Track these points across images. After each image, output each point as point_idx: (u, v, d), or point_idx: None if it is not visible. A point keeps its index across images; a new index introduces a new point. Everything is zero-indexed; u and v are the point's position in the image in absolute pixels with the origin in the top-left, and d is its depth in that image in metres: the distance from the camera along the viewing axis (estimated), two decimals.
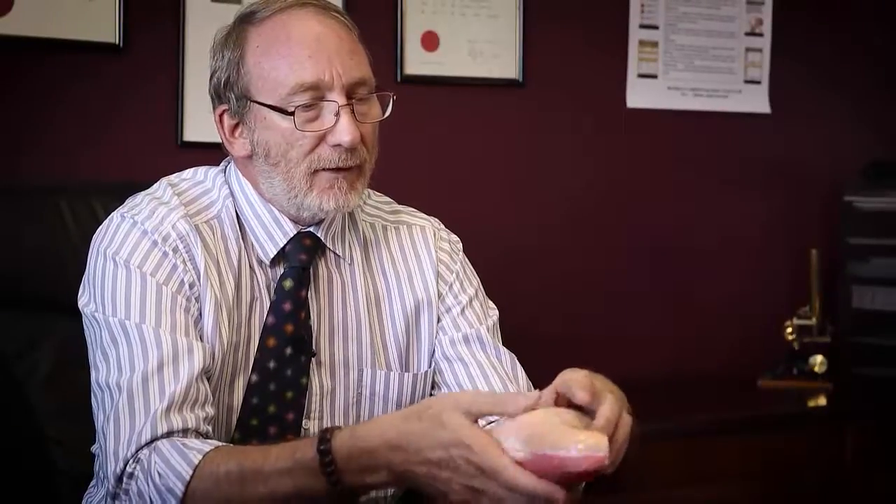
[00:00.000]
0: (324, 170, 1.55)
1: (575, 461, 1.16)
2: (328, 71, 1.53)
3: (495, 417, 1.30)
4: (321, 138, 1.54)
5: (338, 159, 1.55)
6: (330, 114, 1.54)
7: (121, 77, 2.63)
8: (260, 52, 1.55)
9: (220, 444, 1.41)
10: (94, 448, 1.57)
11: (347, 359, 1.63)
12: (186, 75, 2.67)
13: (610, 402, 1.25)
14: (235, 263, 1.58)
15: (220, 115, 1.61)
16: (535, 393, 1.22)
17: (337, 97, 1.53)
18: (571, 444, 1.17)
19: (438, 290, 1.70)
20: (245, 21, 1.59)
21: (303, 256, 1.61)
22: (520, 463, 1.17)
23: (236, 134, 1.60)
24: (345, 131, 1.53)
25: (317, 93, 1.53)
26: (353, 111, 1.54)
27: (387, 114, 1.60)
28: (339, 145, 1.54)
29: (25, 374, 1.84)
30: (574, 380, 1.26)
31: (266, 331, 1.58)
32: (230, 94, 1.58)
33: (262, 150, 1.56)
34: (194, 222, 1.57)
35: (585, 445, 1.17)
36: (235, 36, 1.58)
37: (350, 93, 1.54)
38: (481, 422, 1.24)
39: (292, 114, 1.52)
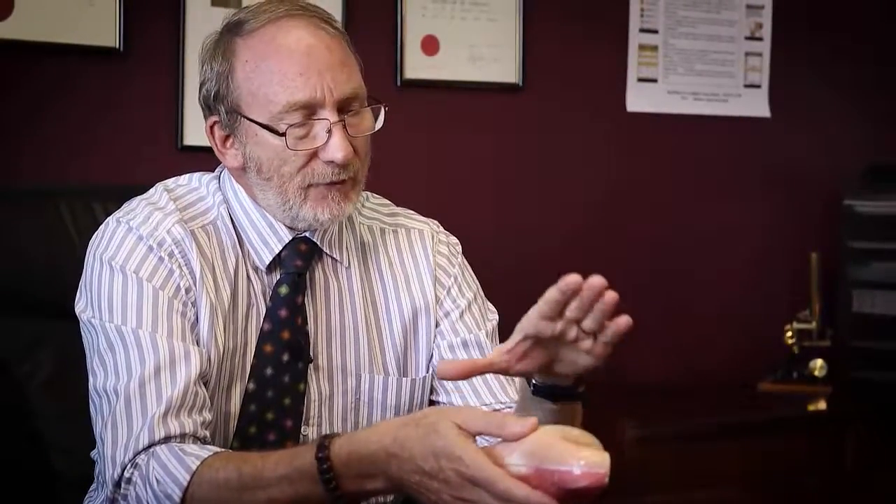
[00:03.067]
0: (317, 184, 1.54)
1: (574, 477, 1.15)
2: (319, 87, 1.51)
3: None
4: (314, 154, 1.53)
5: (331, 174, 1.54)
6: (322, 130, 1.52)
7: (121, 81, 2.64)
8: (249, 67, 1.52)
9: (218, 449, 1.41)
10: (93, 453, 1.57)
11: (345, 364, 1.63)
12: (186, 79, 2.67)
13: None
14: (231, 270, 1.58)
15: (212, 126, 1.59)
16: (533, 419, 1.21)
17: (328, 114, 1.51)
18: (573, 460, 1.16)
19: (436, 295, 1.69)
20: (233, 32, 1.56)
21: (298, 262, 1.61)
22: (521, 478, 1.16)
23: (227, 145, 1.58)
24: (337, 149, 1.51)
25: (308, 110, 1.51)
26: (344, 126, 1.53)
27: (378, 125, 1.58)
28: (332, 161, 1.53)
29: (25, 378, 1.84)
30: (527, 320, 1.30)
31: (262, 337, 1.58)
32: (220, 107, 1.56)
33: (255, 165, 1.55)
34: (190, 228, 1.56)
35: (587, 462, 1.16)
36: (223, 47, 1.55)
37: (342, 107, 1.53)
38: (483, 440, 1.23)
39: (283, 134, 1.51)
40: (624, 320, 1.29)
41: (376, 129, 1.58)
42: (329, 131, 1.52)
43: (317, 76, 1.51)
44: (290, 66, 1.51)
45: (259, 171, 1.55)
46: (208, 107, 1.58)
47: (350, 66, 1.55)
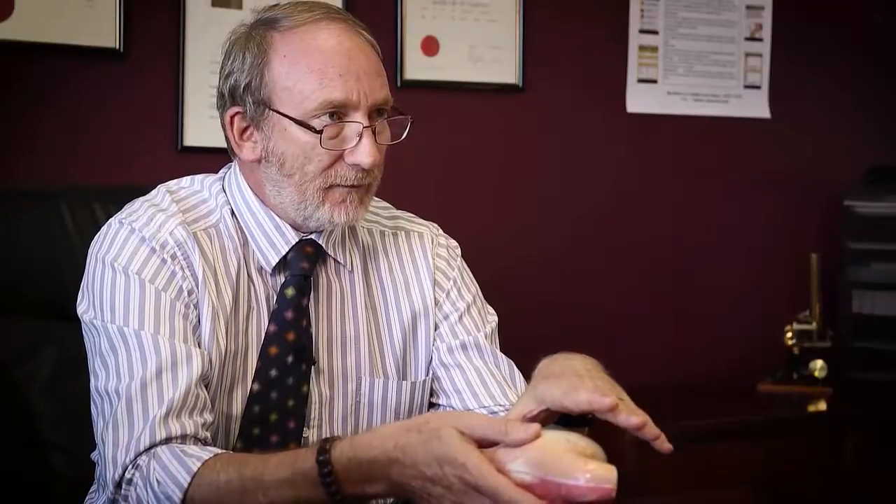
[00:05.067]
0: (338, 185, 1.55)
1: (582, 491, 1.16)
2: (356, 90, 1.52)
3: None
4: (339, 156, 1.54)
5: (353, 177, 1.55)
6: (352, 133, 1.53)
7: (121, 81, 2.64)
8: (287, 62, 1.53)
9: (219, 451, 1.41)
10: (93, 455, 1.57)
11: (346, 367, 1.63)
12: (186, 80, 2.67)
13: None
14: (234, 272, 1.58)
15: (232, 117, 1.58)
16: (536, 424, 1.21)
17: (361, 118, 1.53)
18: (580, 473, 1.16)
19: (435, 298, 1.69)
20: (269, 26, 1.56)
21: (304, 264, 1.61)
22: (525, 486, 1.16)
23: (245, 137, 1.58)
24: (366, 153, 1.53)
25: (342, 110, 1.52)
26: (374, 133, 1.54)
27: (403, 136, 1.60)
28: (357, 164, 1.54)
29: (25, 379, 1.84)
30: (552, 394, 1.30)
31: (268, 339, 1.58)
32: (248, 98, 1.55)
33: (277, 160, 1.55)
34: (192, 230, 1.56)
35: (593, 476, 1.16)
36: (259, 39, 1.55)
37: (371, 113, 1.54)
38: None
39: (320, 132, 1.51)
40: (665, 447, 1.29)
41: (401, 139, 1.60)
42: (360, 135, 1.53)
43: (354, 79, 1.52)
44: (330, 66, 1.52)
45: (281, 166, 1.55)
46: (232, 97, 1.57)
47: (383, 76, 1.57)
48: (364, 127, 1.53)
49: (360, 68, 1.53)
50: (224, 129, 1.61)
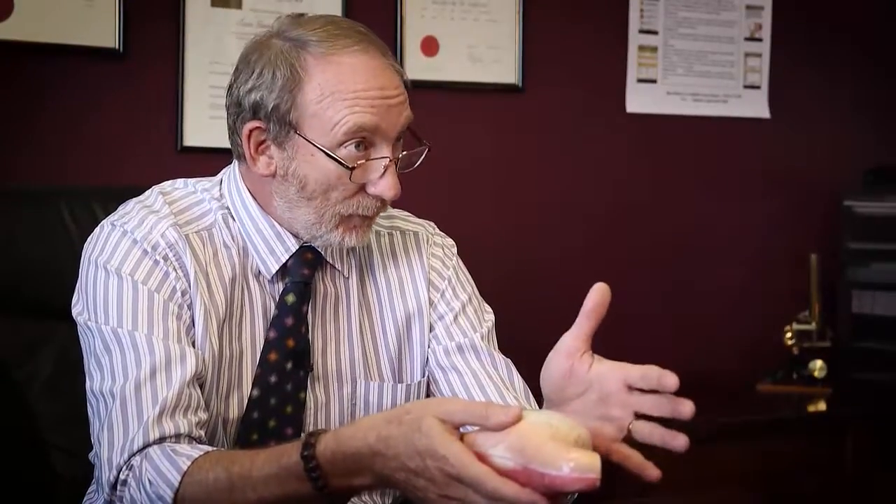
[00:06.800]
0: (357, 215, 1.56)
1: (565, 481, 1.13)
2: (385, 122, 1.52)
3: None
4: (362, 185, 1.54)
5: (374, 208, 1.56)
6: (378, 165, 1.53)
7: (121, 81, 2.64)
8: (320, 90, 1.50)
9: (210, 449, 1.41)
10: (91, 455, 1.57)
11: (341, 371, 1.63)
12: (186, 80, 2.67)
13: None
14: (227, 277, 1.58)
15: (251, 131, 1.55)
16: (517, 407, 1.20)
17: (386, 150, 1.53)
18: (563, 462, 1.14)
19: (430, 298, 1.69)
20: (302, 48, 1.52)
21: (305, 271, 1.61)
22: (507, 473, 1.15)
23: (261, 150, 1.56)
24: (390, 188, 1.54)
25: (369, 139, 1.52)
26: (396, 165, 1.55)
27: (418, 164, 1.60)
28: (380, 196, 1.54)
29: (25, 379, 1.84)
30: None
31: (268, 345, 1.58)
32: (273, 118, 1.52)
33: (298, 182, 1.54)
34: (184, 232, 1.56)
35: (577, 465, 1.14)
36: (291, 61, 1.51)
37: (394, 142, 1.55)
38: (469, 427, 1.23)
39: (352, 168, 1.51)
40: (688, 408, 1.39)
41: (415, 167, 1.60)
42: (385, 167, 1.53)
43: (385, 111, 1.52)
44: (363, 97, 1.50)
45: (302, 188, 1.54)
46: (254, 112, 1.54)
47: (408, 105, 1.57)
48: (390, 160, 1.53)
49: (392, 100, 1.53)
50: (236, 137, 1.58)
